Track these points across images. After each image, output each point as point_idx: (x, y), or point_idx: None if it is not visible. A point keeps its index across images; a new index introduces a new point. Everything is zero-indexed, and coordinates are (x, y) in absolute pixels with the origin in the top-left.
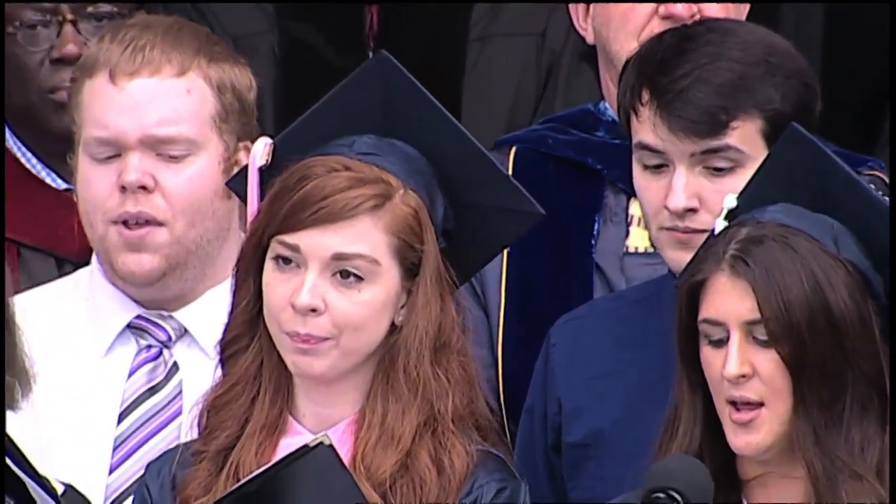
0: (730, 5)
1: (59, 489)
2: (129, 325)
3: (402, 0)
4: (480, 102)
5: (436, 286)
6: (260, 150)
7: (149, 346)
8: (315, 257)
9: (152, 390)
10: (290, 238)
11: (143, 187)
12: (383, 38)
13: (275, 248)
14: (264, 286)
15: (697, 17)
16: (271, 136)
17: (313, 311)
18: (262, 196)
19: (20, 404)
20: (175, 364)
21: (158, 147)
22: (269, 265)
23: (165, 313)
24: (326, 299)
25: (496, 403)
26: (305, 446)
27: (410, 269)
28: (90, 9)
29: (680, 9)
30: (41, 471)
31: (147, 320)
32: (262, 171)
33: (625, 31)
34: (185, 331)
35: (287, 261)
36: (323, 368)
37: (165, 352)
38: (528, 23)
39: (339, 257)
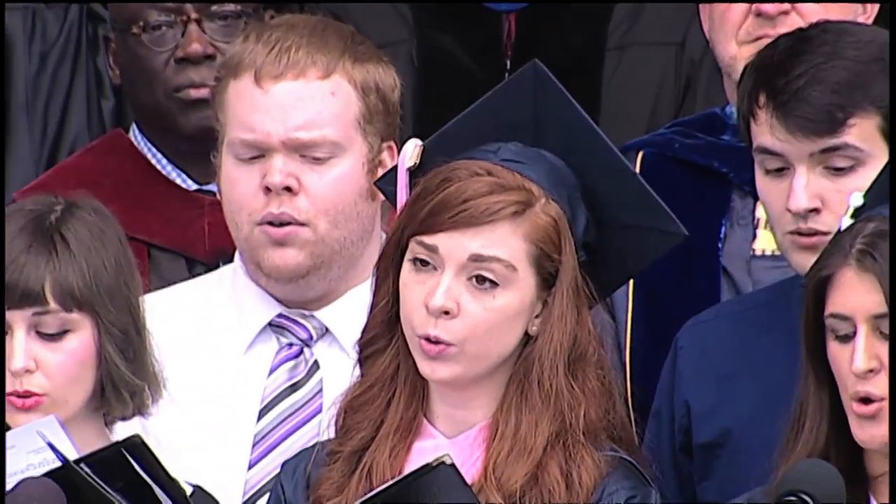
0: (831, 4)
1: (188, 490)
2: (270, 324)
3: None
4: (618, 112)
5: (572, 298)
6: (410, 151)
7: (290, 345)
8: (452, 259)
9: (293, 388)
10: (428, 239)
11: (288, 189)
12: (521, 47)
13: (413, 249)
14: (401, 287)
15: (790, 13)
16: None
17: (446, 313)
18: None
19: (150, 409)
20: (316, 362)
21: (302, 150)
22: (406, 266)
23: (307, 312)
24: (460, 302)
25: (625, 408)
26: (428, 465)
27: (547, 280)
28: (214, 8)
29: (768, 6)
30: (172, 472)
31: (289, 319)
32: (410, 172)
33: (724, 32)
34: (327, 330)
35: (424, 262)
36: (449, 375)
37: (306, 350)
38: (667, 32)
39: (475, 259)
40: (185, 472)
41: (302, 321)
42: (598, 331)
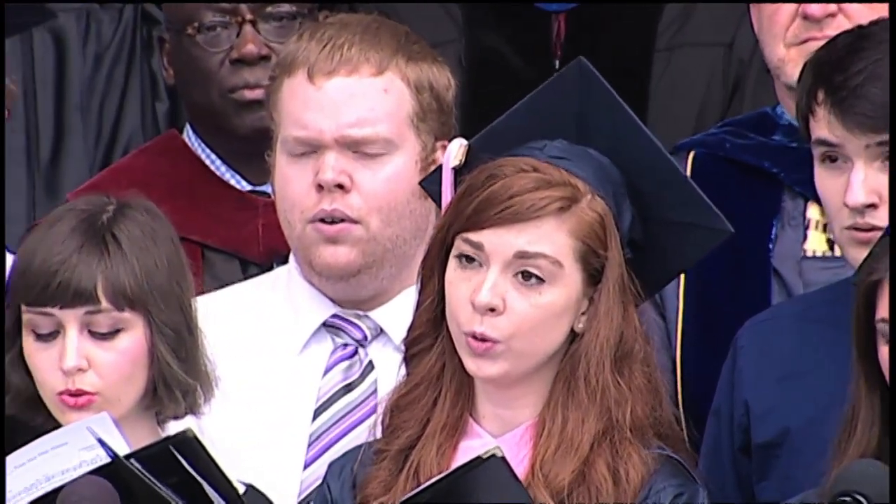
0: (878, 5)
1: (241, 489)
2: (325, 324)
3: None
4: (666, 113)
5: (618, 294)
6: (454, 151)
7: (344, 345)
8: (498, 255)
9: (347, 388)
10: (474, 236)
11: (340, 186)
12: (570, 47)
13: (458, 246)
14: (447, 284)
15: (836, 15)
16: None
17: (492, 310)
18: None
19: (203, 409)
20: (370, 363)
21: (355, 147)
22: (452, 263)
23: (361, 312)
24: (506, 299)
25: (675, 409)
26: (478, 458)
27: (593, 276)
28: (269, 9)
29: (814, 8)
30: (226, 470)
31: (343, 319)
32: (455, 171)
33: (772, 35)
34: (381, 330)
35: (470, 259)
36: (495, 372)
37: (361, 350)
38: (716, 32)
39: (521, 255)
40: (238, 472)
41: (356, 321)
42: (645, 329)
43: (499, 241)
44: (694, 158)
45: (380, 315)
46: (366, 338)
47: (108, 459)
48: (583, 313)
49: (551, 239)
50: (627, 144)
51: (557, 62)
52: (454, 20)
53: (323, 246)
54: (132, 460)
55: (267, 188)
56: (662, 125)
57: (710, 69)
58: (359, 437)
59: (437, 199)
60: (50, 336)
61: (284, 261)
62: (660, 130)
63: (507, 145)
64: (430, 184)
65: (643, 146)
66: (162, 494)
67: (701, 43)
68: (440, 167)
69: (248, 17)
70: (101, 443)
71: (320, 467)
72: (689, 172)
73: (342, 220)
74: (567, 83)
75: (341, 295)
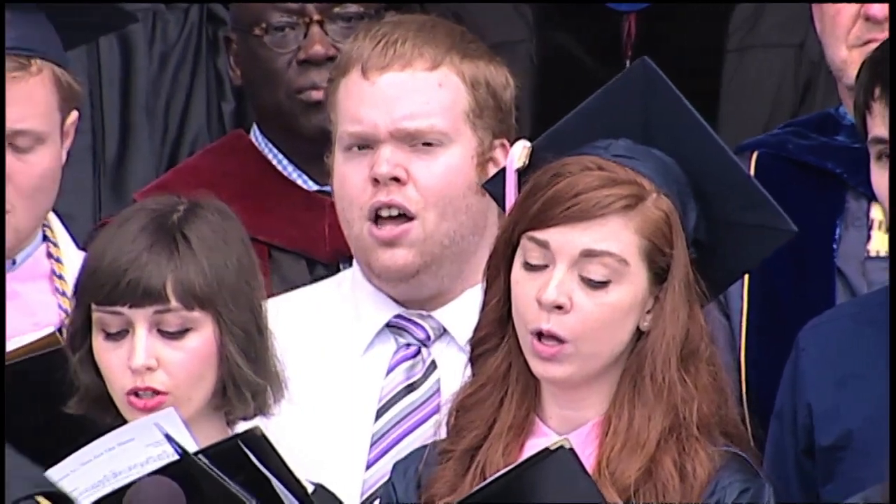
0: None
1: (310, 488)
2: (388, 324)
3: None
4: (737, 115)
5: (684, 293)
6: (518, 153)
7: (407, 345)
8: (564, 254)
9: (410, 388)
10: (540, 234)
11: (396, 179)
12: (641, 47)
13: (524, 245)
14: (513, 283)
15: None
16: (529, 140)
17: (559, 308)
18: None
19: (273, 409)
20: (433, 362)
21: (410, 140)
22: (517, 263)
23: (425, 313)
24: (572, 297)
25: (739, 408)
26: (546, 449)
27: (658, 274)
28: (337, 9)
29: (876, 10)
30: (295, 470)
31: (406, 319)
32: (519, 173)
33: (834, 36)
34: (444, 330)
35: (536, 268)
36: (562, 374)
37: (424, 350)
38: (787, 34)
39: (587, 254)
40: (304, 472)
41: (420, 321)
42: (710, 328)
43: (564, 240)
44: (757, 159)
45: (443, 315)
46: (429, 338)
47: (176, 456)
48: (648, 312)
49: (617, 237)
50: (692, 145)
51: (628, 62)
52: (525, 20)
53: (381, 249)
54: (200, 456)
55: None
56: (733, 126)
57: (781, 70)
58: (421, 436)
59: (501, 202)
60: (119, 335)
61: (351, 261)
62: (731, 132)
63: (571, 146)
64: (492, 186)
65: (707, 146)
66: (231, 490)
67: (772, 44)
68: (503, 169)
69: (316, 17)
70: (169, 438)
71: (383, 467)
72: (752, 173)
73: (399, 214)
74: (631, 83)
75: (403, 295)
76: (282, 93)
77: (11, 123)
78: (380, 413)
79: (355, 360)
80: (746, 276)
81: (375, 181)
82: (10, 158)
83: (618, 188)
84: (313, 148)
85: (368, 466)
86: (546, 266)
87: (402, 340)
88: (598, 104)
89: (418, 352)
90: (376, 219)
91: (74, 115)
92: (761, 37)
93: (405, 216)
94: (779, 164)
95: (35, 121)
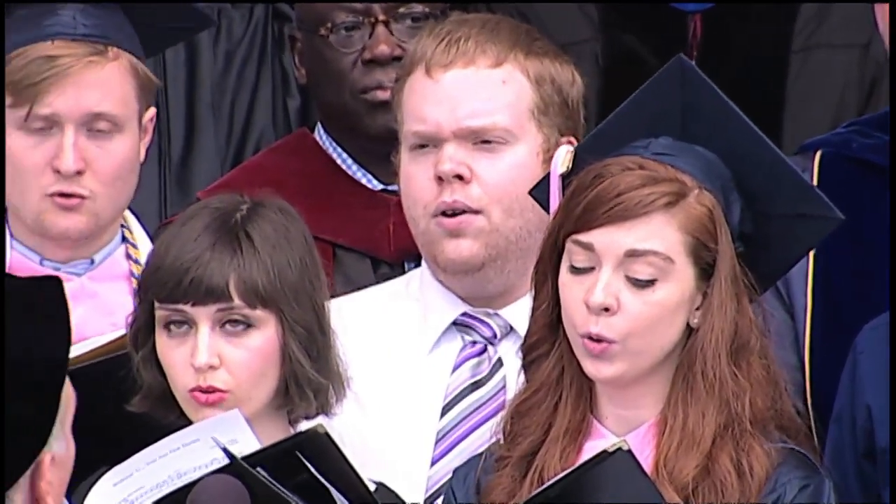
0: None
1: (372, 487)
2: (455, 322)
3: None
4: (803, 115)
5: (731, 287)
6: (561, 157)
7: (473, 342)
8: (608, 255)
9: (476, 385)
10: (583, 237)
11: (460, 177)
12: (706, 47)
13: (570, 249)
14: (560, 287)
15: None
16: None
17: (606, 309)
18: None
19: (335, 408)
20: (499, 360)
21: (473, 137)
22: (564, 267)
23: (491, 311)
24: (619, 298)
25: (803, 407)
26: (604, 451)
27: (705, 270)
28: (402, 9)
29: None
30: (357, 468)
31: (473, 317)
32: (563, 177)
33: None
34: (511, 328)
35: (581, 271)
36: (613, 373)
37: (490, 348)
38: (852, 33)
39: (632, 254)
40: (368, 470)
41: (486, 319)
42: (760, 321)
43: (609, 241)
44: (821, 158)
45: (509, 313)
46: (495, 336)
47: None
48: (697, 308)
49: (661, 235)
50: (732, 138)
51: (694, 62)
52: (590, 20)
53: (446, 240)
54: (252, 462)
55: (398, 187)
56: (798, 127)
57: (846, 71)
58: (487, 433)
59: (546, 207)
60: (182, 333)
61: (415, 260)
62: (796, 132)
63: (613, 147)
64: (539, 192)
65: (748, 139)
66: (282, 496)
67: (837, 44)
68: (548, 174)
69: (381, 17)
70: (225, 451)
71: (448, 464)
72: (815, 172)
73: (463, 212)
74: (668, 82)
75: (469, 291)
76: (347, 93)
77: (89, 107)
78: (445, 410)
79: (422, 357)
80: (811, 276)
81: (440, 179)
82: (90, 145)
83: (659, 186)
84: (378, 147)
85: (433, 463)
86: (592, 268)
87: (468, 338)
88: (637, 104)
89: (484, 349)
90: (441, 216)
91: (152, 111)
92: (826, 37)
93: (470, 212)
94: (843, 163)
95: (112, 104)
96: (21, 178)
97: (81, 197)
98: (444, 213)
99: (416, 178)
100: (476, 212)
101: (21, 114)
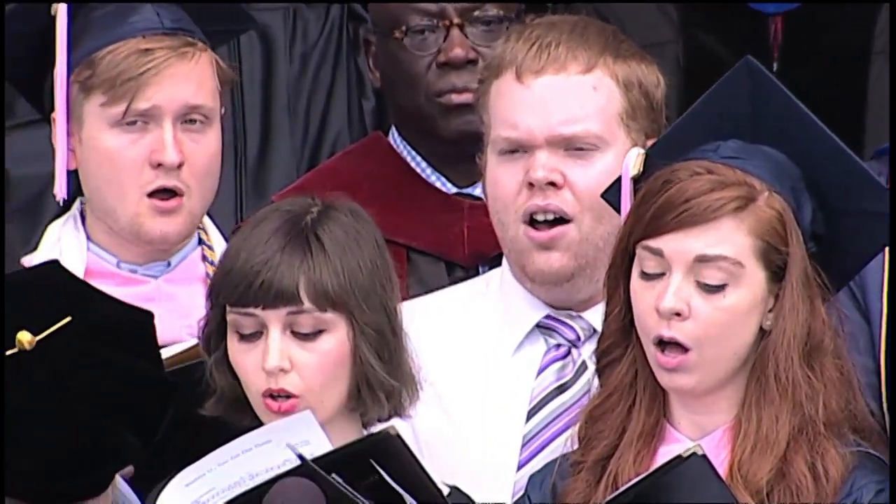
0: None
1: (445, 490)
2: (538, 325)
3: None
4: (884, 116)
5: (803, 289)
6: (632, 160)
7: (557, 345)
8: (678, 261)
9: (560, 389)
10: (653, 242)
11: (552, 184)
12: (787, 49)
13: (640, 255)
14: (632, 293)
15: None
16: None
17: (677, 315)
18: None
19: (408, 411)
20: (584, 363)
21: (565, 144)
22: (635, 273)
23: (574, 313)
24: (690, 304)
25: (879, 411)
26: (679, 457)
27: (776, 273)
28: (477, 12)
29: None
30: (430, 471)
31: (556, 320)
32: (634, 181)
33: None
34: (594, 331)
35: (652, 276)
36: (689, 384)
37: (574, 351)
38: None
39: (702, 259)
40: (451, 474)
41: (569, 322)
42: (834, 322)
43: (678, 246)
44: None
45: (593, 315)
46: (579, 338)
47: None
48: (769, 311)
49: (730, 240)
50: (801, 138)
51: (775, 64)
52: (671, 21)
53: (537, 252)
54: (323, 464)
55: (472, 190)
56: (881, 128)
57: None
58: (572, 437)
59: (618, 210)
60: (253, 336)
61: (490, 263)
62: (878, 133)
63: (683, 150)
64: (611, 195)
65: (817, 139)
66: (355, 500)
67: None
68: (619, 178)
69: (456, 20)
70: (298, 455)
71: (534, 468)
72: (889, 176)
73: (556, 218)
74: (737, 84)
75: (555, 298)
76: (421, 96)
77: (186, 99)
78: (531, 414)
79: (505, 360)
80: (886, 280)
81: (531, 185)
82: (185, 139)
83: (728, 190)
84: (452, 150)
85: (520, 467)
86: (662, 274)
87: (552, 341)
88: (706, 107)
89: (568, 352)
90: (531, 222)
91: (223, 108)
92: None
93: (562, 220)
94: None
95: (205, 97)
96: (119, 178)
97: (179, 194)
98: (533, 219)
99: (505, 183)
100: (567, 221)
101: (118, 110)
